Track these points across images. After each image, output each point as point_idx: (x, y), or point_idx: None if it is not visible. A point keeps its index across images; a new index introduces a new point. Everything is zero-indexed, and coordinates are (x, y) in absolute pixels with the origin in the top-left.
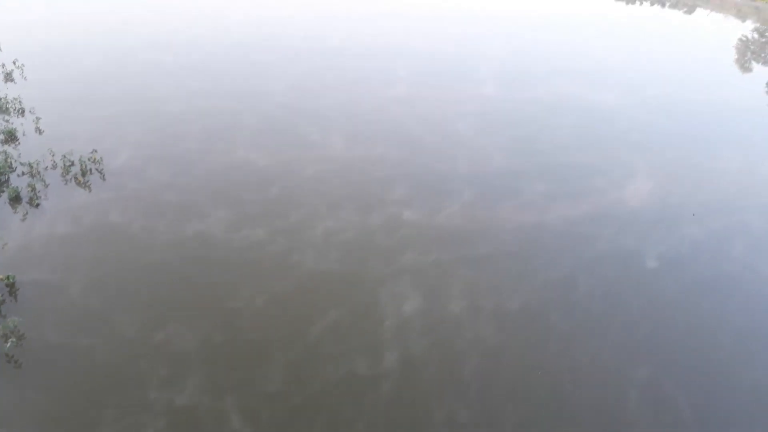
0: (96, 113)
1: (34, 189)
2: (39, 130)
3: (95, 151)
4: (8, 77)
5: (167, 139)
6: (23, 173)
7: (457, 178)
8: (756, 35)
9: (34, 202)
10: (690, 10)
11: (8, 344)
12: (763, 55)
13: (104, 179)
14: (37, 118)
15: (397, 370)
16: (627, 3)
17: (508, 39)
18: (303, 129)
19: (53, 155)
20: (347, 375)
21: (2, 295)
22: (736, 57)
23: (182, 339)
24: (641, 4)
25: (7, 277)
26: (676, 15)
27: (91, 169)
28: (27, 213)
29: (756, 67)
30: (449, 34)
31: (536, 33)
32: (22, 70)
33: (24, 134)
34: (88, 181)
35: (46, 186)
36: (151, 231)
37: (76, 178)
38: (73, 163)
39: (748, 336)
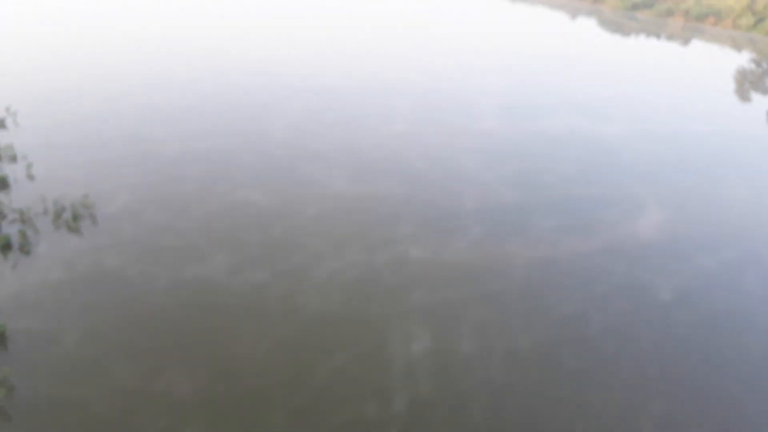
0: (91, 157)
1: (24, 236)
2: (31, 177)
3: (87, 195)
4: (1, 124)
5: (165, 181)
6: (14, 220)
7: (463, 213)
8: (753, 66)
9: (25, 249)
10: (685, 42)
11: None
12: (761, 84)
13: (97, 224)
14: (30, 164)
15: (406, 413)
16: (623, 36)
17: (507, 71)
18: (304, 168)
19: (45, 201)
20: (354, 420)
21: None
22: (735, 87)
23: (181, 388)
24: (636, 36)
25: None
26: (673, 47)
27: (83, 214)
28: (18, 261)
29: (755, 96)
30: (447, 67)
31: (535, 65)
32: (14, 116)
33: (16, 181)
34: (79, 227)
35: (38, 232)
36: (147, 276)
37: (67, 224)
38: (65, 209)
39: (765, 369)
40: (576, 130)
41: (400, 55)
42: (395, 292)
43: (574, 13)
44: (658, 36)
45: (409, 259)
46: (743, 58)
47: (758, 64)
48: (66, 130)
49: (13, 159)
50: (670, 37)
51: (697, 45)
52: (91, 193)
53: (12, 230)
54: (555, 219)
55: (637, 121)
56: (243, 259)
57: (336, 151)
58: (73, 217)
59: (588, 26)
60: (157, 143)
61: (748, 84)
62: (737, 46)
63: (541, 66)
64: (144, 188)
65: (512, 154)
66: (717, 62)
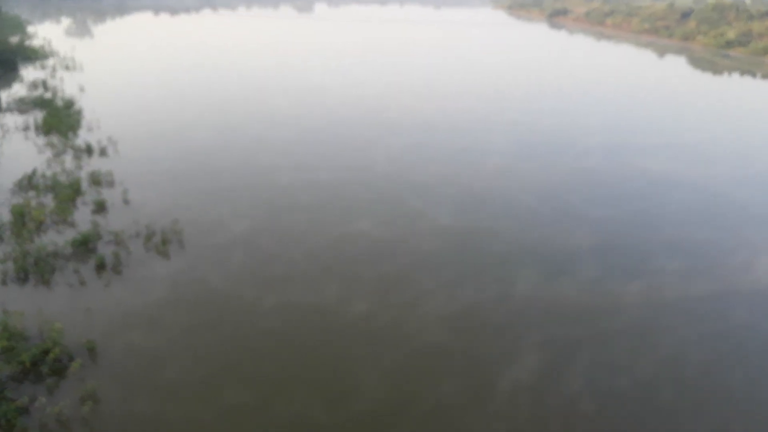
0: (190, 186)
1: (118, 256)
2: (126, 201)
3: (177, 221)
4: (103, 152)
5: (275, 211)
6: (109, 242)
7: (577, 252)
8: None
9: (117, 269)
10: None
11: (85, 408)
12: None
13: (184, 248)
14: (126, 190)
15: None
16: (714, 74)
17: (602, 110)
18: (409, 200)
19: (137, 225)
20: None
21: (83, 360)
22: None
23: (291, 410)
24: (729, 75)
25: (88, 342)
26: None
27: (171, 239)
28: (110, 280)
29: None
30: (542, 107)
31: (629, 104)
32: (115, 145)
33: (113, 205)
34: (168, 250)
35: (130, 254)
36: (254, 300)
37: (156, 248)
38: (155, 233)
39: None
40: (679, 170)
41: (497, 94)
42: (504, 329)
43: (662, 52)
44: (753, 74)
45: (518, 296)
46: None
47: None
48: (167, 159)
49: (111, 185)
50: (767, 76)
51: None
52: (195, 219)
53: (106, 251)
54: (668, 260)
55: (741, 163)
56: (353, 289)
57: (438, 184)
58: (162, 242)
59: (678, 64)
60: (267, 174)
61: None
62: None
63: (635, 105)
64: (253, 216)
65: (618, 194)
66: None
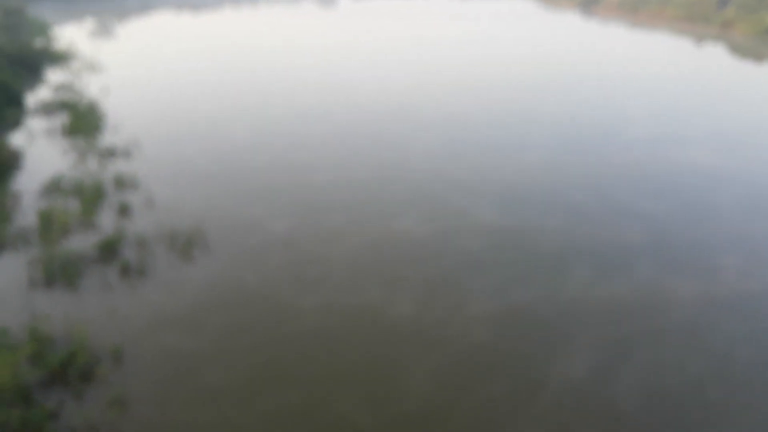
0: (227, 186)
1: (143, 260)
2: (151, 204)
3: (200, 224)
4: (126, 154)
5: (314, 210)
6: (134, 244)
7: (629, 248)
8: None
9: (142, 272)
10: None
11: (112, 413)
12: None
13: (210, 252)
14: (150, 192)
15: None
16: (755, 62)
17: (645, 99)
18: (450, 197)
19: (161, 227)
20: None
21: (109, 364)
22: None
23: (338, 410)
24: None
25: (115, 346)
26: None
27: (195, 242)
28: (135, 283)
29: None
30: (582, 97)
31: (672, 93)
32: (139, 147)
33: (137, 207)
34: (192, 253)
35: (154, 257)
36: (294, 302)
37: (182, 250)
38: (179, 236)
39: None
40: (725, 162)
41: (532, 86)
42: (554, 328)
43: (699, 40)
44: None
45: (569, 295)
46: None
47: None
48: (193, 160)
49: (136, 186)
50: None
51: None
52: (226, 219)
53: (131, 254)
54: (722, 256)
55: None
56: (396, 290)
57: (479, 180)
58: (188, 243)
59: (716, 52)
60: (301, 172)
61: None
62: None
63: (675, 95)
64: (287, 216)
65: (666, 188)
66: None
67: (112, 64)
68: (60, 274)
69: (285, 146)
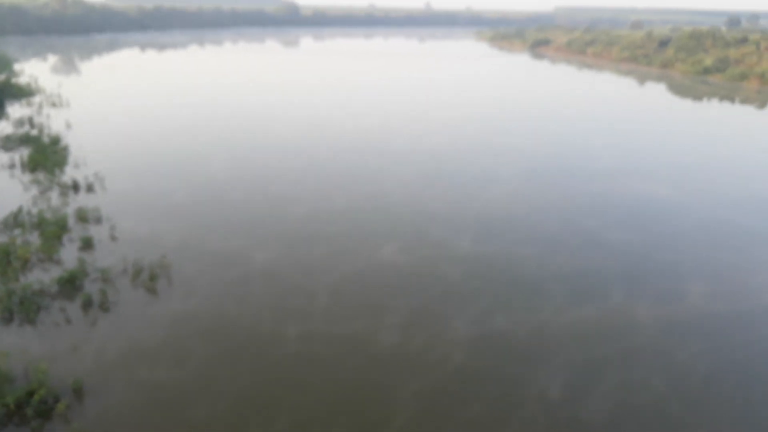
0: (196, 219)
1: (105, 294)
2: (114, 238)
3: (165, 256)
4: (89, 189)
5: (294, 241)
6: (96, 279)
7: (601, 275)
8: None
9: (104, 307)
10: (762, 105)
11: None
12: None
13: (172, 284)
14: (113, 226)
15: None
16: (695, 100)
17: (598, 134)
18: (428, 228)
19: (125, 261)
20: None
21: (69, 400)
22: None
23: None
24: (710, 100)
25: (75, 382)
26: (750, 111)
27: (159, 274)
28: (97, 318)
29: None
30: (543, 134)
31: (623, 130)
32: (102, 181)
33: (100, 242)
34: (156, 286)
35: (117, 291)
36: (273, 333)
37: (144, 284)
38: (143, 269)
39: None
40: (681, 193)
41: (495, 122)
42: (532, 352)
43: (643, 79)
44: (732, 99)
45: (546, 321)
46: None
47: None
48: (158, 194)
49: (99, 221)
50: (744, 100)
51: None
52: (194, 252)
53: (93, 289)
54: (689, 282)
55: (736, 184)
56: (379, 318)
57: (454, 211)
58: (150, 277)
59: (660, 90)
60: (276, 205)
61: None
62: None
63: (627, 130)
64: (259, 247)
65: (632, 218)
66: None
67: (75, 99)
68: (19, 309)
69: (260, 179)
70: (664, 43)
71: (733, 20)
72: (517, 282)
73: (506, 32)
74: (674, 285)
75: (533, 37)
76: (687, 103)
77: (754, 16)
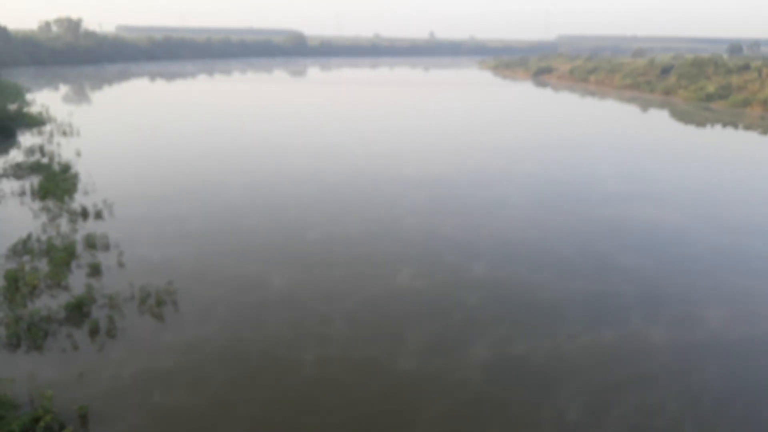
0: (205, 246)
1: (112, 320)
2: (122, 264)
3: (171, 282)
4: (98, 215)
5: (311, 266)
6: (103, 305)
7: (618, 299)
8: None
9: (111, 333)
10: (765, 131)
11: None
12: None
13: (179, 311)
14: (121, 252)
15: None
16: (698, 126)
17: (606, 160)
18: (443, 254)
19: (132, 287)
20: None
21: (75, 427)
22: None
23: None
24: (713, 127)
25: (80, 408)
26: (754, 137)
27: (165, 300)
28: (104, 344)
29: None
30: (552, 160)
31: (630, 156)
32: (110, 208)
33: (108, 268)
34: (163, 312)
35: (123, 317)
36: (287, 358)
37: (151, 310)
38: (149, 295)
39: None
40: (693, 218)
41: (504, 149)
42: (549, 375)
43: (646, 106)
44: (735, 126)
45: (565, 346)
46: None
47: None
48: (167, 222)
49: (107, 248)
50: (749, 126)
51: None
52: (204, 280)
53: (100, 315)
54: (705, 306)
55: (747, 211)
56: (398, 344)
57: (469, 237)
58: (156, 303)
59: (663, 117)
60: (298, 228)
61: None
62: None
63: (634, 156)
64: (284, 273)
65: (646, 242)
66: None
67: (86, 128)
68: (26, 335)
69: (272, 206)
70: (666, 70)
71: (735, 47)
72: (535, 307)
73: (509, 61)
74: (691, 309)
75: (536, 65)
76: (692, 130)
77: (756, 43)
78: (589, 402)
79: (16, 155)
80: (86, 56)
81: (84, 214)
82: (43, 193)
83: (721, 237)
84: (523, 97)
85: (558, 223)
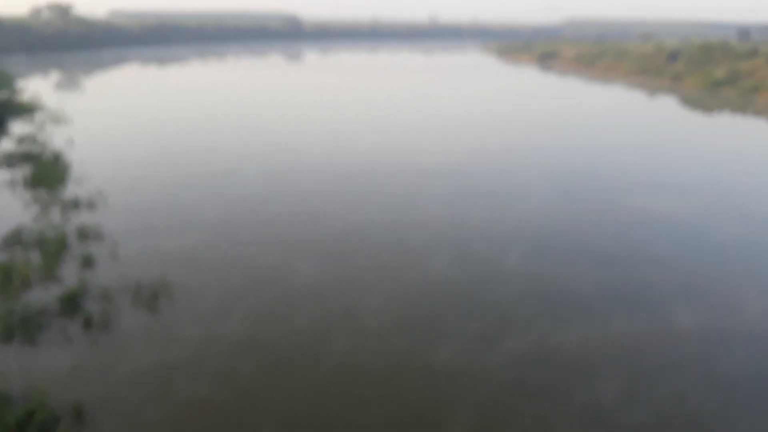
0: (200, 236)
1: (106, 313)
2: (115, 256)
3: (165, 275)
4: (91, 206)
5: (334, 262)
6: (96, 297)
7: (655, 290)
8: None
9: (105, 326)
10: None
11: None
12: None
13: (174, 303)
14: (115, 244)
15: None
16: (708, 114)
17: (622, 147)
18: (474, 244)
19: (125, 279)
20: None
21: (69, 421)
22: None
23: None
24: (723, 114)
25: (75, 403)
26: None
27: (159, 293)
28: (98, 337)
29: None
30: (568, 147)
31: (642, 143)
32: (104, 198)
33: (101, 260)
34: (158, 305)
35: (117, 310)
36: (288, 354)
37: (146, 302)
38: (143, 287)
39: None
40: (724, 207)
41: (515, 136)
42: (585, 363)
43: (653, 93)
44: (744, 112)
45: (601, 337)
46: None
47: None
48: (161, 212)
49: (100, 238)
50: (759, 112)
51: None
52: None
53: (94, 307)
54: (744, 295)
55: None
56: (434, 337)
57: (494, 226)
58: (151, 296)
59: (671, 104)
60: (319, 220)
61: None
62: None
63: (647, 143)
64: (309, 263)
65: (677, 230)
66: None
67: (78, 115)
68: (19, 328)
69: (289, 195)
70: (673, 56)
71: (743, 32)
72: (572, 299)
73: (513, 45)
74: (729, 299)
75: (541, 49)
76: (703, 117)
77: (765, 28)
78: (619, 385)
79: (6, 144)
80: (78, 42)
81: (76, 204)
82: (34, 182)
83: (750, 227)
84: (529, 83)
85: (585, 213)
